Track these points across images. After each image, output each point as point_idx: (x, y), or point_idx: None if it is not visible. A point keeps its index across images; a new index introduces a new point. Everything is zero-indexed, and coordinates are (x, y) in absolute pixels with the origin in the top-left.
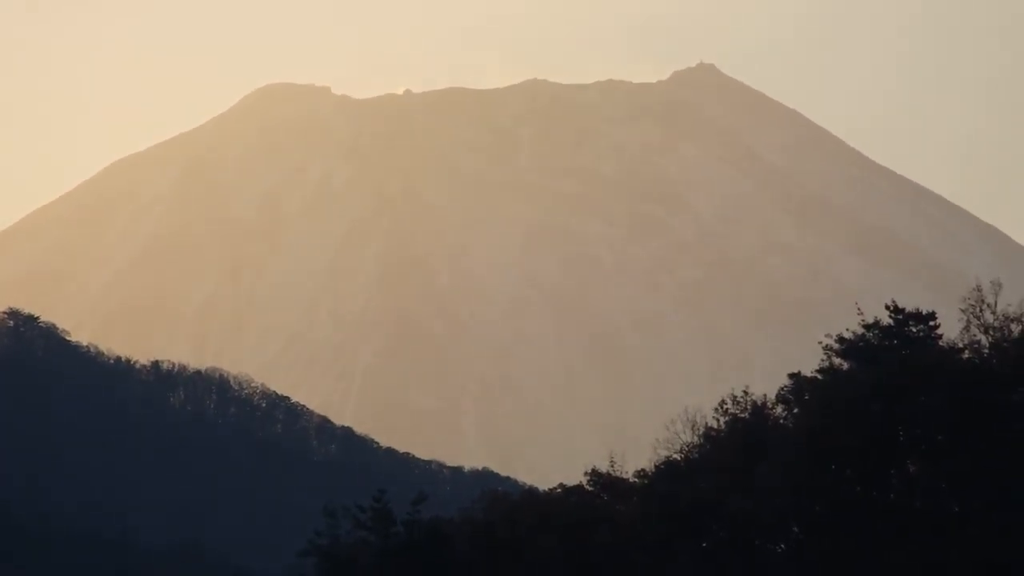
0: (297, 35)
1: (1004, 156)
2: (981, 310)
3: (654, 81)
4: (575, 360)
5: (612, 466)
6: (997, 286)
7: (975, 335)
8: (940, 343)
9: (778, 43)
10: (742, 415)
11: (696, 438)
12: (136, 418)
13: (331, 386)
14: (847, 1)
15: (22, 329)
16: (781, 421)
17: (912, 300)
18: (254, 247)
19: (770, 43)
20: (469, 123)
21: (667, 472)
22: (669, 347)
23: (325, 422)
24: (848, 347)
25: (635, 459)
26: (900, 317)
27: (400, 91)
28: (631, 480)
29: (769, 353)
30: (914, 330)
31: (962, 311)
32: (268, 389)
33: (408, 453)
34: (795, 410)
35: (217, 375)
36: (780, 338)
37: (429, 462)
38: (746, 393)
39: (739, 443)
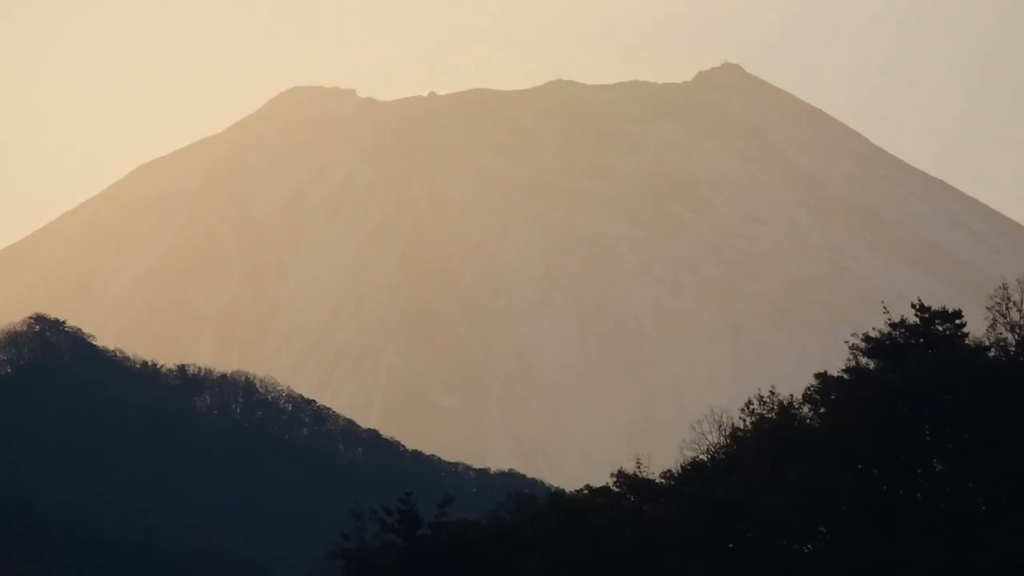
0: (322, 38)
1: None
2: (1007, 308)
3: (679, 81)
4: (599, 360)
5: (638, 467)
6: (1023, 284)
7: (1001, 333)
8: (966, 341)
9: (803, 42)
10: (768, 415)
11: (722, 438)
12: (162, 421)
13: (356, 388)
14: (872, 1)
15: (48, 334)
16: (808, 421)
17: (937, 298)
18: (278, 249)
19: (795, 42)
20: (492, 124)
21: (694, 473)
22: (692, 346)
23: (351, 425)
24: (874, 346)
25: (661, 460)
26: (926, 316)
27: (424, 93)
28: (658, 481)
29: (793, 352)
30: (940, 329)
31: (988, 309)
32: (294, 392)
33: (434, 455)
34: (822, 410)
35: (243, 378)
36: (804, 337)
37: (455, 464)
38: (772, 393)
39: (766, 443)
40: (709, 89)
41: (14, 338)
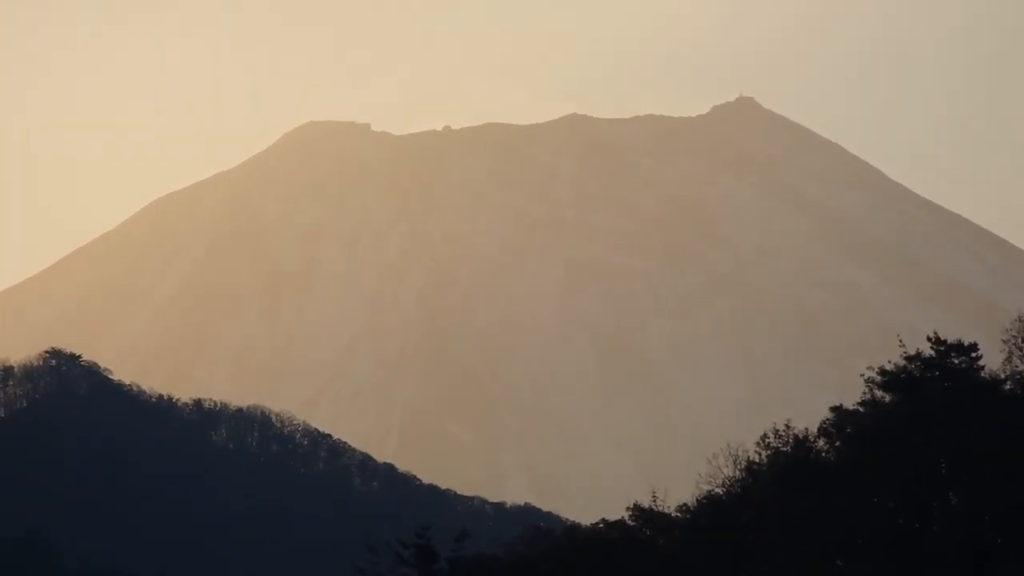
0: (336, 73)
1: None
2: (1023, 341)
3: (694, 115)
4: (615, 395)
5: (654, 500)
6: None
7: (1017, 366)
8: (982, 375)
9: (818, 76)
10: (784, 448)
11: (738, 472)
12: (178, 456)
13: (372, 423)
14: (886, 35)
15: (64, 368)
16: (823, 454)
17: (953, 331)
18: (294, 284)
19: (810, 76)
20: (508, 158)
21: (709, 506)
22: (708, 380)
23: (367, 459)
24: (890, 379)
25: (677, 493)
26: (942, 349)
27: (439, 127)
28: (673, 514)
29: (809, 386)
30: (956, 362)
31: (1004, 342)
32: (310, 426)
33: (450, 489)
34: (837, 443)
35: (259, 413)
36: (820, 371)
37: (471, 498)
38: (788, 426)
39: (781, 476)
40: (724, 122)
41: (30, 372)
